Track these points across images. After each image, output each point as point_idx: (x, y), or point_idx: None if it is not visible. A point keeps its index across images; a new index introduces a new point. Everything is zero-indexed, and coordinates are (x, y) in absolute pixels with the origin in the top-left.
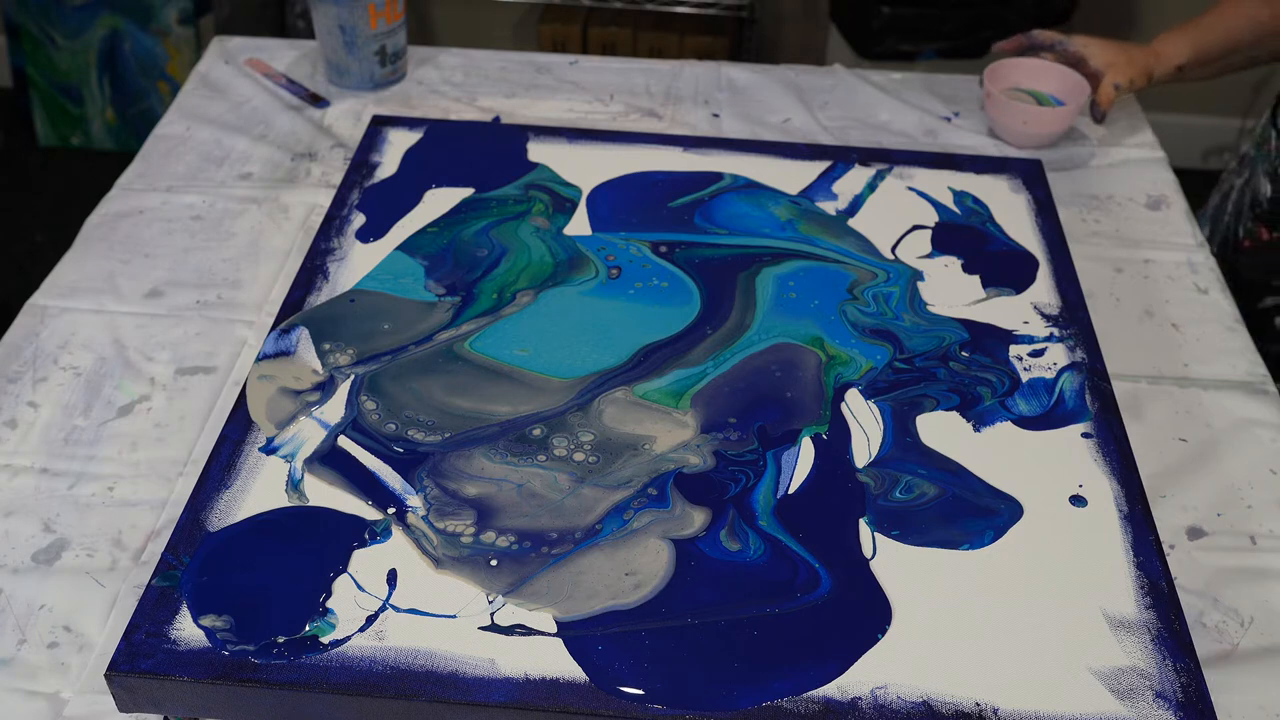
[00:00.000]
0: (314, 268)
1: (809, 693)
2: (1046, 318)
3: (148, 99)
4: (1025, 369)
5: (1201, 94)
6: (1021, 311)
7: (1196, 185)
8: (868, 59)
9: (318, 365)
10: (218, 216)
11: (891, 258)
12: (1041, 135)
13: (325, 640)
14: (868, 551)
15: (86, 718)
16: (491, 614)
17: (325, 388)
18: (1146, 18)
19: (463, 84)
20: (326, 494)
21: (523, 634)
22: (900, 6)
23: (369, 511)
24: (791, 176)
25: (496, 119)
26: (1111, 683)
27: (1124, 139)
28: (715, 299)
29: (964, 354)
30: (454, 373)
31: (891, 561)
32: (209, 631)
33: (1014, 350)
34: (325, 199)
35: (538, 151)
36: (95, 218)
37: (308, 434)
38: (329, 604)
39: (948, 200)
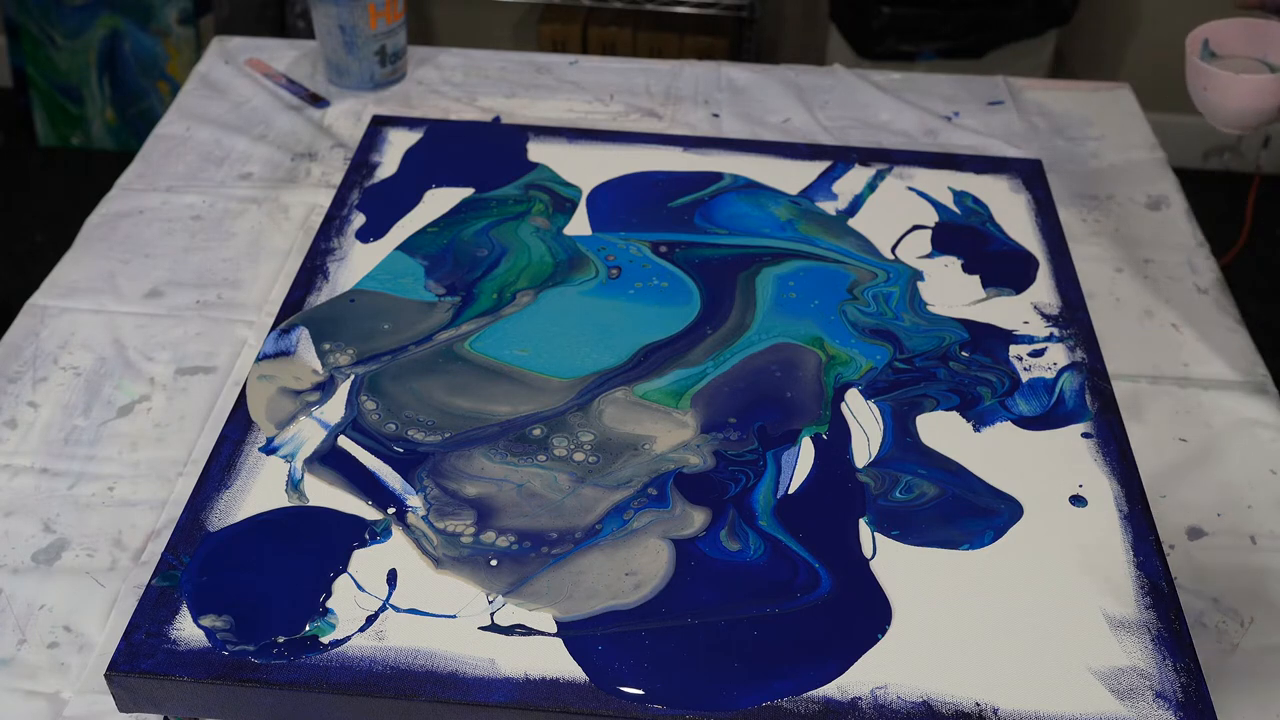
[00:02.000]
0: (314, 268)
1: (809, 693)
2: (1046, 318)
3: (148, 99)
4: (1025, 369)
5: None
6: (1021, 311)
7: (1196, 185)
8: (868, 59)
9: (318, 365)
10: (218, 216)
11: (891, 258)
12: (1248, 111)
13: (325, 640)
14: (868, 551)
15: (86, 718)
16: (491, 614)
17: (325, 388)
18: (1148, 19)
19: (463, 84)
20: (326, 494)
21: (523, 634)
22: (900, 6)
23: (369, 511)
24: (791, 176)
25: (496, 119)
26: (1111, 683)
27: (1124, 139)
28: (715, 299)
29: (964, 354)
30: (454, 373)
31: (891, 561)
32: (209, 631)
33: (1014, 350)
34: (325, 199)
35: (538, 151)
36: (95, 218)
37: (308, 434)
38: (329, 604)
39: (948, 200)
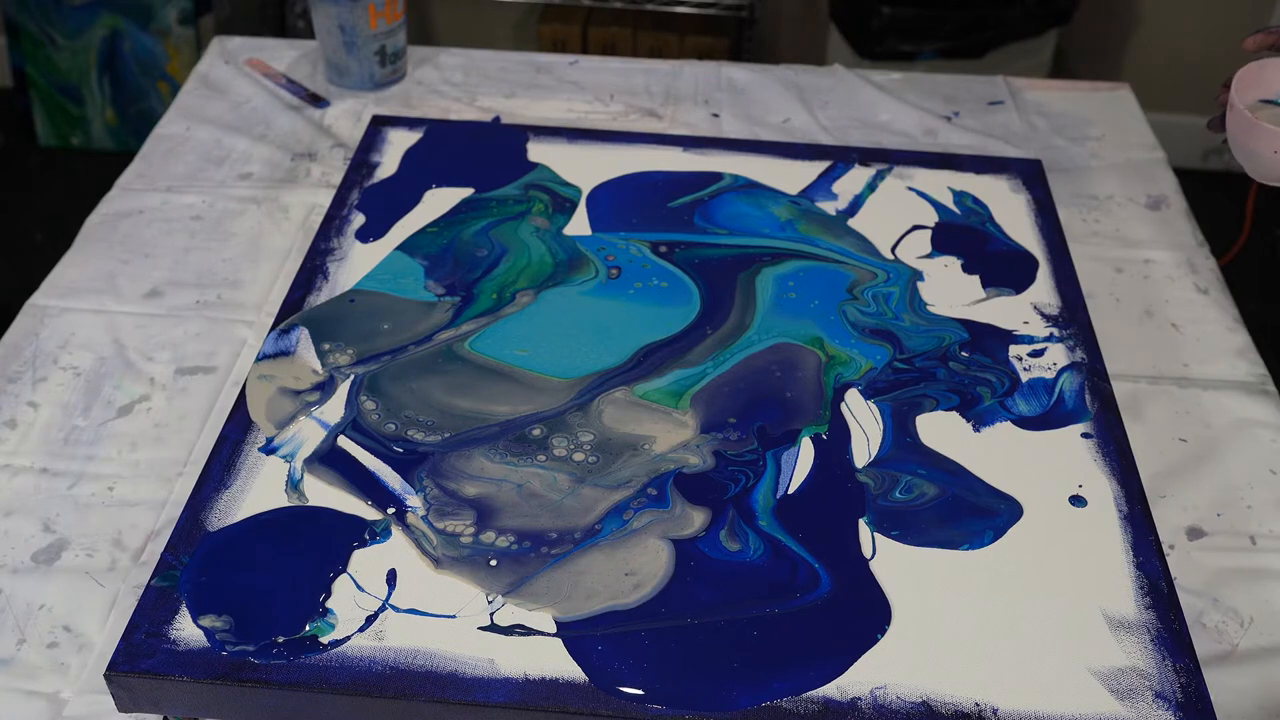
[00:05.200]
0: (314, 268)
1: (809, 693)
2: (1046, 318)
3: (148, 99)
4: (1025, 369)
5: (1202, 94)
6: (1021, 311)
7: (1196, 185)
8: (868, 59)
9: (317, 365)
10: (218, 216)
11: (891, 258)
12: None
13: (325, 640)
14: (867, 551)
15: (86, 718)
16: (491, 614)
17: (325, 388)
18: (1148, 19)
19: (463, 84)
20: (326, 494)
21: (522, 634)
22: (900, 6)
23: (369, 511)
24: (791, 176)
25: (496, 119)
26: (1111, 683)
27: (1124, 139)
28: (715, 299)
29: (964, 354)
30: (454, 373)
31: (891, 561)
32: (208, 632)
33: (1014, 350)
34: (325, 199)
35: (538, 151)
36: (95, 218)
37: (307, 434)
38: (329, 604)
39: (948, 200)
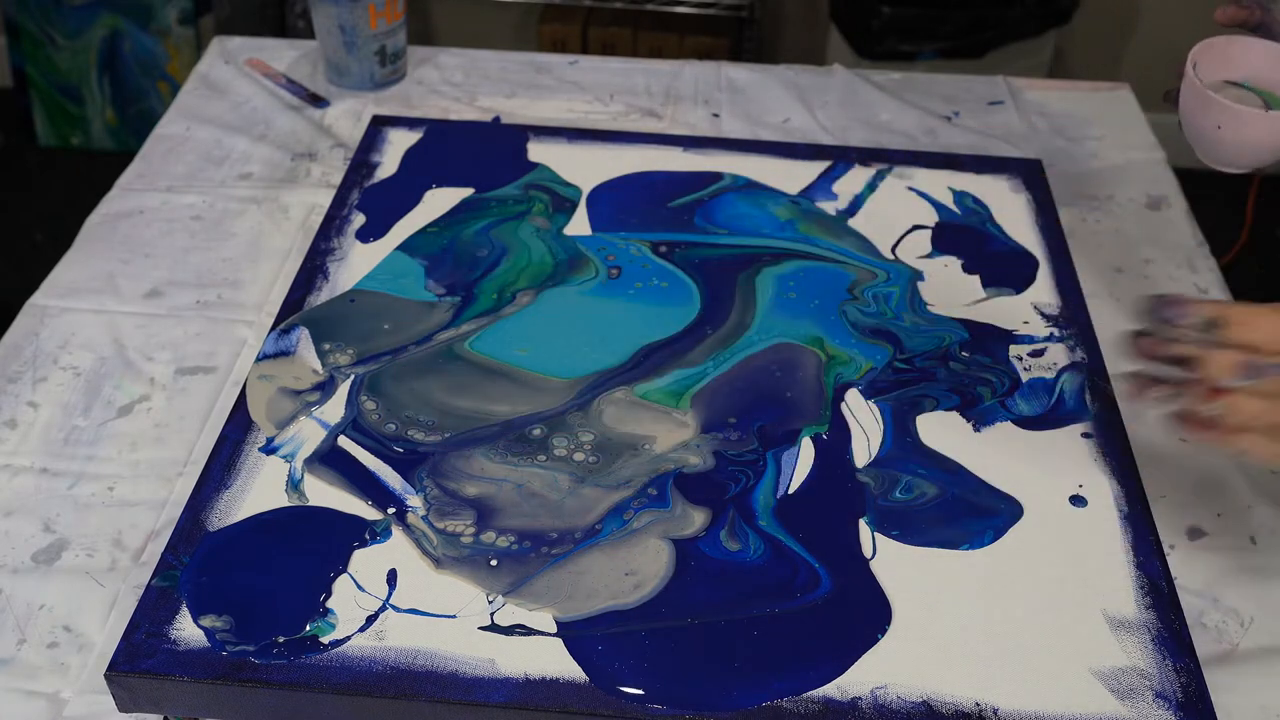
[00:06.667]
0: (314, 268)
1: (809, 693)
2: (1046, 318)
3: (148, 99)
4: (1025, 369)
5: None
6: (1021, 311)
7: (1196, 185)
8: (868, 59)
9: (318, 365)
10: (218, 216)
11: (891, 258)
12: (1247, 145)
13: (325, 640)
14: (868, 551)
15: (86, 718)
16: (491, 614)
17: (325, 388)
18: (1148, 19)
19: (463, 84)
20: (326, 494)
21: (523, 634)
22: (900, 6)
23: (369, 511)
24: (791, 176)
25: (496, 119)
26: (1111, 683)
27: (1124, 139)
28: (715, 299)
29: (964, 354)
30: (454, 373)
31: (891, 561)
32: (209, 632)
33: (1014, 350)
34: (325, 199)
35: (538, 151)
36: (95, 218)
37: (308, 434)
38: (329, 604)
39: (948, 200)
